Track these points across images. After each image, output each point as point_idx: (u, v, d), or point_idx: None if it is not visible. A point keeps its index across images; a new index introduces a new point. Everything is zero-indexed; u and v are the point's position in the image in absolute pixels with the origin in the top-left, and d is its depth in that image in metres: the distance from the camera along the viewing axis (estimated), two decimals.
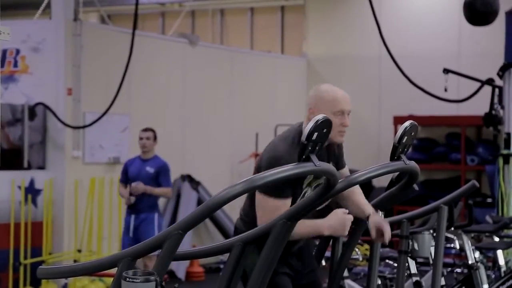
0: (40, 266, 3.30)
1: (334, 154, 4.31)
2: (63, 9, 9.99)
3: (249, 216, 4.18)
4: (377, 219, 4.19)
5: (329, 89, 4.17)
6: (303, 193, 4.10)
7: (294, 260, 4.29)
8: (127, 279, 3.03)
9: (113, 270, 3.23)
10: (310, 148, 3.27)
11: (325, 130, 3.32)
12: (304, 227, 3.96)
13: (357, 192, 4.28)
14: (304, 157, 3.29)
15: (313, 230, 4.07)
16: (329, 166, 3.40)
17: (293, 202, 4.01)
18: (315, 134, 3.26)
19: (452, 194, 4.85)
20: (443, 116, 12.79)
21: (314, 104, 4.13)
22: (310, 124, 3.25)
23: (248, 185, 3.19)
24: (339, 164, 4.34)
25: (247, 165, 12.02)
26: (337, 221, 4.02)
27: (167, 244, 3.15)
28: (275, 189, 3.95)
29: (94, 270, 3.26)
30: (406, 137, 3.82)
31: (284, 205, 3.92)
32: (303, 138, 3.25)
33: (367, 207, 4.23)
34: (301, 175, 3.35)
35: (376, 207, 4.23)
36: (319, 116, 3.28)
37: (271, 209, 3.93)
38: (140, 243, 3.24)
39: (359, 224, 4.29)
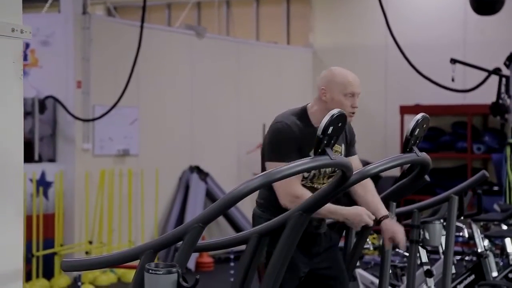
0: (63, 259, 3.38)
1: (346, 141, 4.42)
2: (72, 2, 10.07)
3: (263, 197, 4.38)
4: (391, 226, 4.28)
5: (342, 71, 4.37)
6: None
7: (302, 250, 4.35)
8: (150, 271, 3.11)
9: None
10: (325, 141, 3.35)
11: (340, 124, 3.40)
12: (325, 207, 4.05)
13: (371, 191, 4.37)
14: (320, 150, 3.37)
15: (330, 214, 4.22)
16: (345, 159, 3.48)
17: None
18: (331, 128, 3.34)
19: (462, 184, 4.93)
20: (449, 105, 12.84)
21: (326, 85, 4.32)
22: (326, 118, 3.33)
23: (266, 179, 3.27)
24: (350, 151, 4.45)
25: (255, 155, 12.09)
26: (356, 216, 4.14)
27: (187, 236, 3.24)
28: (279, 154, 4.18)
29: (117, 262, 3.35)
30: (418, 130, 3.90)
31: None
32: (319, 132, 3.33)
33: (381, 210, 4.33)
34: (317, 168, 3.44)
35: (389, 198, 4.31)
36: (335, 111, 3.36)
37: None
38: (161, 236, 3.33)
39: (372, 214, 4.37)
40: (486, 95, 10.08)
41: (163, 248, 3.29)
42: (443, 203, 5.03)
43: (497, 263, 7.05)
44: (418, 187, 4.34)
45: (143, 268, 3.16)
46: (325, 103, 4.33)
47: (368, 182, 4.35)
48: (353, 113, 4.31)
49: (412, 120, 3.90)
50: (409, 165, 4.18)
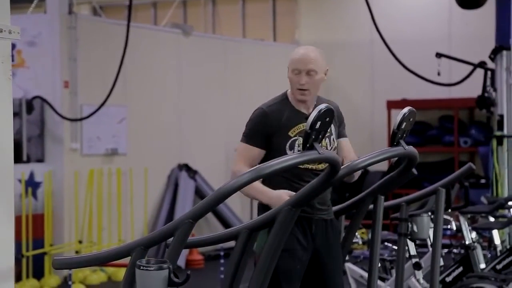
0: (55, 257, 3.40)
1: (336, 118, 4.44)
2: (58, 2, 10.07)
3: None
4: None
5: (297, 50, 4.47)
6: (294, 141, 4.31)
7: (301, 236, 4.36)
8: (141, 268, 3.13)
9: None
10: (313, 136, 3.39)
11: (327, 119, 3.43)
12: (254, 189, 4.22)
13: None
14: (308, 145, 3.41)
15: (257, 196, 4.30)
16: (333, 154, 3.53)
17: (278, 150, 4.26)
18: (318, 123, 3.38)
19: (449, 176, 4.97)
20: (435, 99, 12.91)
21: (288, 64, 4.44)
22: (314, 113, 3.37)
23: (255, 174, 3.30)
24: (340, 131, 4.49)
25: None
26: (277, 198, 4.15)
27: (178, 232, 3.26)
28: (246, 136, 4.37)
29: (108, 259, 3.37)
30: (405, 123, 3.93)
31: (250, 151, 4.33)
32: (307, 127, 3.36)
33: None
34: (305, 163, 3.48)
35: (376, 192, 4.33)
36: (322, 106, 3.40)
37: (240, 152, 4.38)
38: (152, 232, 3.35)
39: (360, 208, 4.40)
40: (472, 88, 10.14)
41: (153, 244, 3.32)
42: (430, 196, 5.07)
43: (485, 255, 7.11)
44: (406, 181, 4.36)
45: (134, 265, 3.18)
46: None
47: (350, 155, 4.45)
48: (301, 90, 4.35)
49: (398, 114, 3.94)
50: (397, 158, 4.21)
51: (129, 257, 3.28)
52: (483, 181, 12.07)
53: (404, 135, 3.97)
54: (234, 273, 3.64)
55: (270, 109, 4.38)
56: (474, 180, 12.52)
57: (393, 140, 3.93)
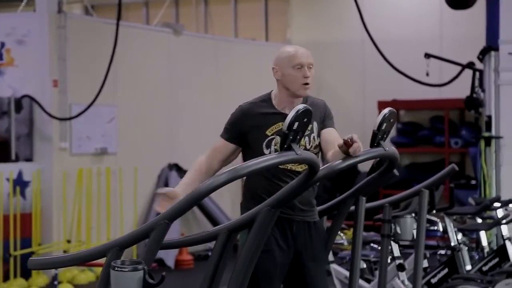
0: (30, 258, 3.38)
1: (319, 115, 4.38)
2: (47, 1, 10.04)
3: (245, 187, 4.42)
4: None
5: (288, 47, 4.46)
6: (271, 140, 4.28)
7: (280, 237, 4.31)
8: (116, 268, 3.12)
9: (103, 260, 3.32)
10: (291, 137, 3.38)
11: (305, 120, 3.42)
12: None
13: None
14: (285, 146, 3.39)
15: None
16: (310, 155, 3.51)
17: (255, 148, 4.27)
18: (296, 124, 3.37)
19: (432, 178, 4.96)
20: (426, 99, 12.91)
21: (276, 63, 4.40)
22: (291, 114, 3.36)
23: (232, 174, 3.29)
24: (324, 125, 4.38)
25: None
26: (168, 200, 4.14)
27: (154, 233, 3.25)
28: (224, 131, 4.44)
29: (84, 260, 3.36)
30: (385, 124, 3.92)
31: (224, 145, 4.40)
32: (284, 127, 3.35)
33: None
34: (282, 163, 3.47)
35: (358, 193, 4.32)
36: (300, 106, 3.39)
37: (214, 144, 4.44)
38: (127, 233, 3.34)
39: (342, 209, 4.39)
40: (463, 89, 10.12)
41: (129, 245, 3.31)
42: (414, 197, 5.06)
43: (472, 257, 7.10)
44: (388, 182, 4.36)
45: (109, 266, 3.17)
46: (279, 81, 4.39)
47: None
48: (307, 83, 4.32)
49: (379, 115, 3.92)
50: (378, 159, 4.20)
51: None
52: (473, 182, 12.06)
53: (385, 136, 3.96)
54: (213, 274, 3.63)
55: (250, 106, 4.39)
56: (464, 181, 12.52)
57: (373, 141, 3.92)
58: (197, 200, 3.29)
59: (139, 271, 3.12)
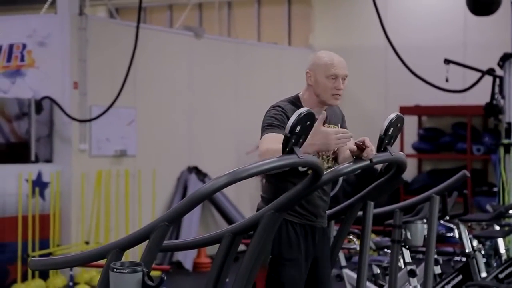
0: (31, 258, 3.39)
1: (340, 116, 4.44)
2: (69, 3, 10.09)
3: (265, 191, 4.32)
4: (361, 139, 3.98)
5: (325, 54, 4.35)
6: None
7: (304, 244, 4.29)
8: (115, 270, 3.12)
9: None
10: (293, 140, 3.36)
11: (308, 123, 3.40)
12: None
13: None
14: (288, 149, 3.37)
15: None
16: (313, 158, 3.48)
17: None
18: (298, 127, 3.34)
19: (444, 184, 4.92)
20: (449, 105, 12.81)
21: (310, 68, 4.33)
22: (293, 117, 3.34)
23: (232, 177, 3.27)
24: (343, 126, 4.42)
25: (254, 156, 12.09)
26: (321, 138, 3.86)
27: (153, 235, 3.24)
28: (270, 126, 4.14)
29: (84, 261, 3.35)
30: (392, 129, 3.90)
31: (279, 137, 3.82)
32: (286, 131, 3.33)
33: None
34: (284, 167, 3.44)
35: (365, 198, 4.29)
36: (302, 110, 3.36)
37: (267, 137, 4.10)
38: (128, 235, 3.33)
39: (349, 214, 4.36)
40: (486, 95, 10.04)
41: (129, 247, 3.30)
42: (425, 202, 5.02)
43: (491, 264, 7.04)
44: (395, 187, 4.33)
45: (109, 267, 3.17)
46: (311, 86, 4.32)
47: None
48: (337, 95, 4.27)
49: (385, 120, 3.90)
50: (386, 164, 4.17)
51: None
52: (495, 189, 11.95)
53: (392, 140, 3.94)
54: (217, 277, 3.61)
55: (285, 105, 4.28)
56: (486, 188, 12.42)
57: (380, 146, 3.89)
58: (197, 203, 3.28)
59: (138, 273, 3.11)
